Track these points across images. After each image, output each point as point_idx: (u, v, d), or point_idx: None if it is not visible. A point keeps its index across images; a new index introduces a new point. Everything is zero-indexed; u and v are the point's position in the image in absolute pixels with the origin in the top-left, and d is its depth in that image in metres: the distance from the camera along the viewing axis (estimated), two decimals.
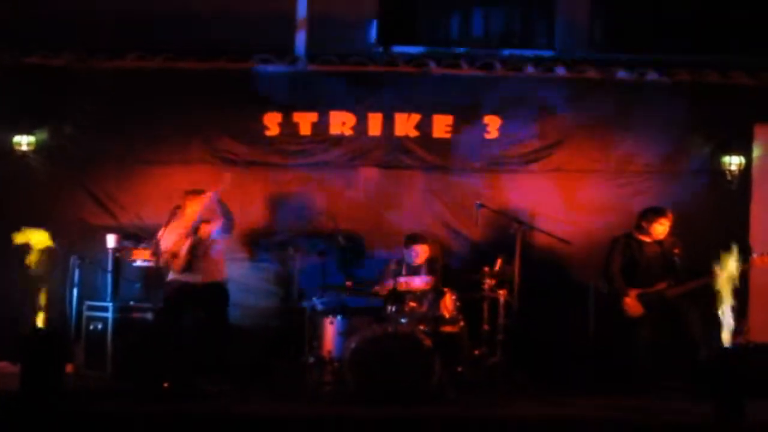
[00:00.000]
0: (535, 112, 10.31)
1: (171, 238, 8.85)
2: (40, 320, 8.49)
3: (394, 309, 8.83)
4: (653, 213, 9.20)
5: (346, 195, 10.28)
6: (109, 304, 9.50)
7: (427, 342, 8.38)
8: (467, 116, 10.23)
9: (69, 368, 9.12)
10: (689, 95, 10.34)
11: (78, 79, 10.16)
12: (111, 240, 9.73)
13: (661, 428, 7.59)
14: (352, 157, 10.28)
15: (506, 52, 10.61)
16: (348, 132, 10.22)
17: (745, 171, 10.31)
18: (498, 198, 10.12)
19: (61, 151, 10.18)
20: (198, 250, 8.81)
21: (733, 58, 10.50)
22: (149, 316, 9.38)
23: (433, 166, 10.29)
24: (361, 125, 10.21)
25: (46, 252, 8.77)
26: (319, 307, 9.12)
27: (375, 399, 8.12)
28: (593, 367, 9.17)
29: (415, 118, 10.21)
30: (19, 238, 8.69)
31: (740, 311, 9.80)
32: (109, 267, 9.71)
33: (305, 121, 10.20)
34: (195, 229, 8.83)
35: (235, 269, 9.43)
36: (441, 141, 10.25)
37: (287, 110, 10.19)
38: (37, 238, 8.73)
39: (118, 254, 9.73)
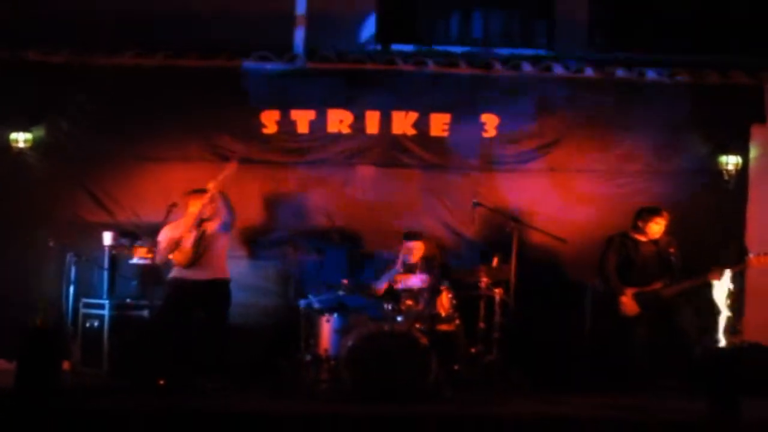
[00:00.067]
0: (533, 111, 10.30)
1: (173, 234, 8.88)
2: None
3: (390, 307, 8.83)
4: (649, 212, 9.21)
5: (343, 193, 10.28)
6: (106, 302, 9.48)
7: (424, 340, 8.39)
8: (465, 115, 10.23)
9: (65, 365, 9.12)
10: (687, 95, 10.34)
11: (76, 76, 10.14)
12: (108, 237, 9.71)
13: (657, 427, 7.59)
14: (349, 155, 10.28)
15: (504, 51, 10.60)
16: (345, 130, 10.22)
17: (742, 171, 10.32)
18: (495, 196, 10.12)
19: (58, 148, 10.17)
20: (202, 245, 8.82)
21: (731, 58, 10.51)
22: (146, 313, 9.38)
23: (431, 165, 10.29)
24: (359, 123, 10.20)
25: None
26: (316, 305, 9.11)
27: (371, 397, 8.13)
28: (589, 366, 9.17)
29: (413, 116, 10.21)
30: None
31: (736, 311, 9.88)
32: (106, 264, 9.70)
33: (303, 119, 10.20)
34: (199, 223, 8.85)
35: (232, 267, 9.39)
36: (438, 139, 10.25)
37: (285, 108, 10.18)
38: None
39: (114, 251, 9.72)
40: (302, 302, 9.13)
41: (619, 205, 10.00)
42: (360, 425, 7.50)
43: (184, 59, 10.15)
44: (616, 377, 8.94)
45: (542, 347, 9.50)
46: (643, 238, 9.18)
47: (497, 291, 9.01)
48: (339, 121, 10.20)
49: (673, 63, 10.38)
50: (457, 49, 10.54)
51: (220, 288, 8.97)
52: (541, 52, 10.63)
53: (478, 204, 9.60)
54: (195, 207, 8.89)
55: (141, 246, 9.54)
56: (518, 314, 9.16)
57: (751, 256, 9.06)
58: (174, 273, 8.97)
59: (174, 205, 9.02)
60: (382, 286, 9.40)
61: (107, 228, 9.86)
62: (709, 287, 8.94)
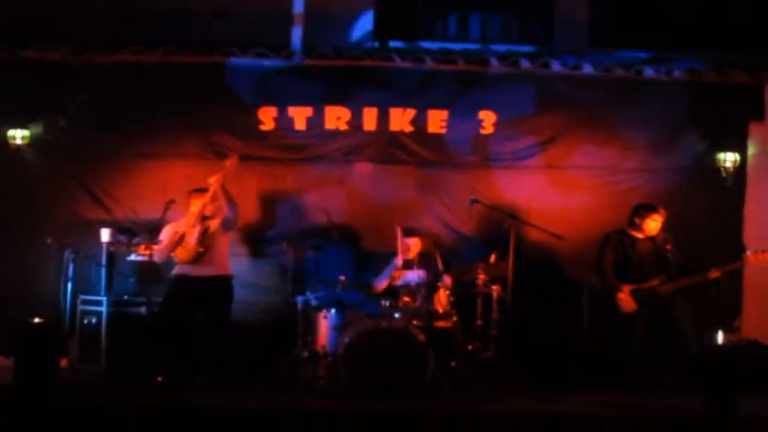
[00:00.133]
0: (530, 108, 10.31)
1: (176, 231, 8.91)
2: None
3: (387, 304, 8.84)
4: (645, 209, 9.20)
5: (341, 190, 10.28)
6: (104, 298, 9.48)
7: (421, 337, 8.39)
8: (462, 111, 10.24)
9: (63, 362, 9.14)
10: (685, 93, 10.37)
11: (74, 73, 10.14)
12: (105, 234, 9.71)
13: (654, 424, 7.58)
14: (347, 152, 10.28)
15: (502, 47, 10.60)
16: (343, 127, 10.22)
17: (740, 168, 10.34)
18: (492, 193, 10.13)
19: (56, 145, 10.17)
20: (205, 242, 8.84)
21: (729, 56, 10.52)
22: (143, 310, 9.35)
23: (428, 162, 10.30)
24: (356, 120, 10.21)
25: None
26: (314, 301, 9.12)
27: (368, 394, 8.13)
28: (587, 363, 9.18)
29: (411, 113, 10.21)
30: None
31: (734, 308, 9.90)
32: (104, 261, 9.69)
33: (300, 116, 10.20)
34: (203, 219, 8.86)
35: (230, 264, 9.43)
36: (436, 136, 10.26)
37: (282, 105, 10.18)
38: None
39: (112, 248, 9.71)
40: (300, 299, 9.13)
41: (617, 202, 10.00)
42: (357, 422, 7.49)
43: (181, 56, 10.15)
44: (614, 374, 8.94)
45: (540, 344, 9.51)
46: (640, 235, 9.18)
47: (495, 288, 9.00)
48: (336, 117, 10.21)
49: (670, 60, 10.39)
50: (455, 46, 10.53)
51: (222, 285, 8.98)
52: (539, 48, 10.61)
53: (475, 201, 9.60)
54: (196, 206, 8.91)
55: (143, 243, 9.51)
56: (516, 311, 9.16)
57: (748, 253, 9.06)
58: (177, 270, 8.98)
59: (172, 202, 9.02)
60: (381, 283, 9.41)
61: (105, 225, 9.85)
62: (706, 286, 8.93)
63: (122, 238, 9.71)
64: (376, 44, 10.54)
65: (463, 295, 9.17)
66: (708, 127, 10.35)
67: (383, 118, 10.21)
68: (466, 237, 10.17)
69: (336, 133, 10.23)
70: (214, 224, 8.93)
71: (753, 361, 9.01)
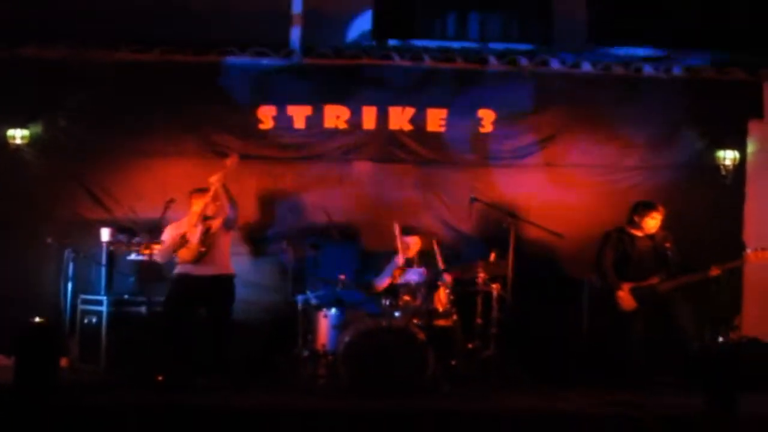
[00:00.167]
0: (529, 106, 10.32)
1: (178, 232, 8.92)
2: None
3: (388, 302, 8.84)
4: (645, 207, 9.20)
5: (340, 189, 10.28)
6: (104, 298, 9.47)
7: (421, 335, 8.40)
8: (461, 110, 10.24)
9: (63, 362, 9.15)
10: (685, 90, 10.37)
11: (73, 72, 10.14)
12: (105, 234, 9.70)
13: (654, 422, 7.57)
14: (346, 150, 10.28)
15: (501, 45, 10.59)
16: (342, 125, 10.23)
17: (740, 166, 10.34)
18: (492, 192, 10.13)
19: (56, 144, 10.16)
20: (207, 241, 8.84)
21: (729, 54, 10.51)
22: (144, 309, 9.36)
23: (427, 160, 10.30)
24: (356, 119, 10.21)
25: None
26: (314, 300, 9.13)
27: (369, 392, 8.13)
28: (587, 361, 9.18)
29: (410, 111, 10.22)
30: None
31: (734, 306, 9.90)
32: (104, 261, 9.69)
33: (299, 115, 10.20)
34: (204, 218, 8.86)
35: None
36: (435, 135, 10.26)
37: (281, 104, 10.18)
38: None
39: (112, 248, 9.71)
40: (300, 298, 9.14)
41: (616, 200, 10.00)
42: (357, 421, 7.49)
43: (180, 54, 10.16)
44: (614, 372, 8.94)
45: (540, 343, 9.52)
46: (639, 233, 9.18)
47: (495, 286, 9.00)
48: (336, 116, 10.21)
49: (669, 58, 10.39)
50: (454, 45, 10.53)
51: (224, 284, 8.99)
52: (537, 46, 10.59)
53: (475, 199, 9.61)
54: (198, 206, 8.92)
55: (143, 243, 9.50)
56: (516, 310, 9.16)
57: (748, 251, 9.06)
58: (179, 269, 8.99)
59: (172, 201, 9.03)
60: (382, 282, 9.40)
61: (105, 224, 9.85)
62: (705, 283, 8.93)
63: (122, 237, 9.71)
64: (375, 43, 10.53)
65: (463, 293, 9.17)
66: (707, 124, 10.35)
67: (382, 117, 10.22)
68: (466, 235, 10.16)
69: (335, 132, 10.24)
70: (215, 224, 8.94)
71: (753, 359, 9.02)
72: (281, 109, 10.18)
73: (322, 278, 9.35)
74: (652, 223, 9.13)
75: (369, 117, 10.21)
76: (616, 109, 10.34)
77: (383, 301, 8.88)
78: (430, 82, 10.27)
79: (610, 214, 9.81)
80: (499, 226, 9.37)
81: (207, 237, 8.87)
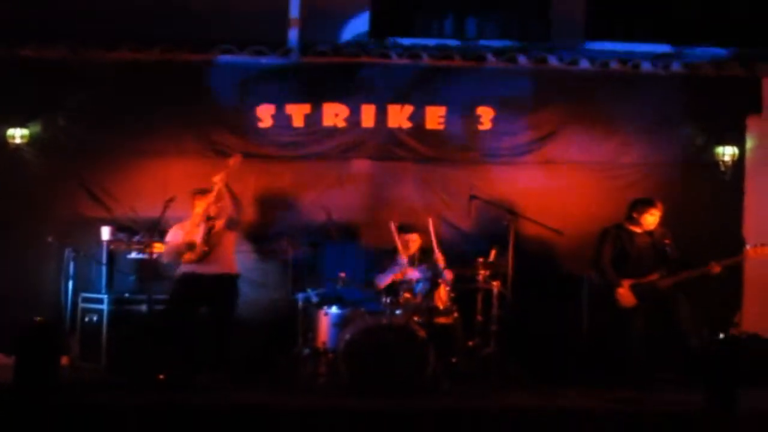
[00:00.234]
0: (528, 104, 10.32)
1: (180, 234, 8.93)
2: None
3: (388, 300, 8.84)
4: (643, 204, 9.19)
5: (339, 187, 10.28)
6: (104, 297, 9.47)
7: (421, 333, 8.40)
8: (460, 108, 10.24)
9: (64, 360, 9.16)
10: (683, 87, 10.36)
11: (73, 71, 10.13)
12: (105, 232, 9.71)
13: (654, 419, 7.60)
14: (345, 148, 10.28)
15: (499, 43, 10.60)
16: (341, 124, 10.22)
17: (739, 162, 10.34)
18: (491, 189, 10.12)
19: (56, 144, 10.16)
20: (211, 241, 8.85)
21: (727, 49, 10.52)
22: (144, 308, 9.35)
23: (426, 158, 10.30)
24: (354, 117, 10.20)
25: None
26: (314, 298, 9.13)
27: (369, 390, 8.14)
28: (586, 359, 9.18)
29: (408, 109, 10.21)
30: None
31: (734, 302, 9.91)
32: (104, 259, 9.70)
33: (298, 113, 10.20)
34: (207, 218, 8.86)
35: None
36: (434, 132, 10.25)
37: (280, 102, 10.18)
38: None
39: (112, 247, 9.72)
40: (300, 296, 9.15)
41: (616, 197, 9.97)
42: (358, 419, 7.50)
43: (179, 53, 10.15)
44: (614, 370, 8.93)
45: (540, 340, 9.50)
46: (638, 230, 9.17)
47: (495, 284, 9.00)
48: (334, 114, 10.21)
49: (667, 54, 10.41)
50: (453, 43, 10.54)
51: (228, 283, 9.00)
52: (536, 44, 10.60)
53: (474, 197, 9.60)
54: (200, 206, 8.93)
55: (144, 242, 9.50)
56: (516, 307, 9.17)
57: (748, 247, 9.06)
58: (182, 269, 8.99)
59: (172, 200, 9.03)
60: (384, 281, 9.38)
61: (105, 223, 9.85)
62: (705, 279, 8.92)
63: (122, 236, 9.72)
64: (374, 41, 10.53)
65: (463, 291, 9.17)
66: (706, 121, 10.35)
67: (381, 115, 10.21)
68: (466, 233, 10.16)
69: (334, 130, 10.23)
70: (219, 224, 8.95)
71: (753, 355, 9.03)
72: (280, 108, 10.18)
73: (322, 276, 9.37)
74: (651, 219, 9.13)
75: (368, 115, 10.20)
76: (614, 106, 10.33)
77: (384, 299, 8.88)
78: (429, 80, 10.25)
79: (609, 211, 9.79)
80: (498, 224, 9.37)
81: (210, 237, 8.88)
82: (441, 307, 9.06)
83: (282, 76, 10.24)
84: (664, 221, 9.21)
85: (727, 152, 10.26)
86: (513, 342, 9.11)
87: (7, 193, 10.02)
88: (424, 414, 7.61)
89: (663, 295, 8.97)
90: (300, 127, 10.20)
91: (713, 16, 10.76)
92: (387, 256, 9.53)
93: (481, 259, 9.09)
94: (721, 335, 8.98)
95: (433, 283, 9.11)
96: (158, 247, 9.19)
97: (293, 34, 10.32)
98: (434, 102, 10.23)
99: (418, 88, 10.25)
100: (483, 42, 10.59)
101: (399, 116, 10.21)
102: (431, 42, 10.53)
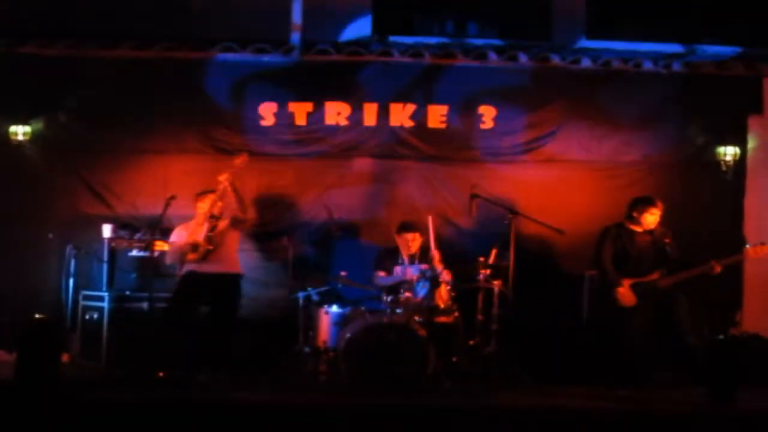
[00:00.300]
0: (530, 103, 10.32)
1: (184, 234, 8.94)
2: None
3: (389, 299, 8.84)
4: (643, 203, 9.15)
5: (340, 185, 10.28)
6: (105, 294, 9.49)
7: (422, 332, 8.41)
8: (462, 106, 10.25)
9: (65, 357, 9.16)
10: (685, 86, 10.36)
11: (73, 68, 10.14)
12: (107, 230, 9.72)
13: (654, 417, 7.61)
14: (347, 147, 10.28)
15: (501, 42, 10.60)
16: (343, 122, 10.22)
17: (740, 162, 10.34)
18: (493, 188, 10.09)
19: (57, 140, 10.18)
20: (214, 240, 8.85)
21: (729, 49, 10.52)
22: (145, 305, 9.35)
23: (428, 157, 10.30)
24: (357, 115, 10.21)
25: None
26: (315, 297, 9.13)
27: (370, 389, 8.14)
28: (587, 357, 9.17)
29: (410, 108, 10.22)
30: None
31: (735, 302, 9.91)
32: (105, 257, 9.70)
33: (300, 111, 10.20)
34: (211, 217, 8.87)
35: None
36: (436, 131, 10.26)
37: (282, 100, 10.19)
38: None
39: (113, 244, 9.72)
40: (301, 294, 9.14)
41: (617, 196, 9.94)
42: (358, 417, 7.50)
43: (181, 51, 10.16)
44: (614, 368, 8.92)
45: (540, 339, 9.49)
46: (638, 229, 9.15)
47: (496, 283, 8.99)
48: (337, 113, 10.21)
49: (669, 54, 10.41)
50: (455, 41, 10.54)
51: (230, 282, 9.00)
52: (537, 42, 10.60)
53: (476, 196, 9.57)
54: (204, 207, 8.94)
55: (145, 239, 9.49)
56: (516, 306, 9.16)
57: (747, 247, 9.04)
58: (186, 267, 8.99)
59: (173, 197, 9.02)
60: (386, 281, 9.35)
61: (106, 220, 9.86)
62: (706, 278, 8.91)
63: (123, 233, 9.73)
64: (376, 39, 10.53)
65: (464, 290, 9.16)
66: (707, 120, 10.35)
67: (383, 114, 10.22)
68: (467, 232, 10.16)
69: (336, 129, 10.24)
70: (222, 223, 8.95)
71: (754, 355, 9.03)
72: (282, 106, 10.18)
73: (322, 275, 9.36)
74: (651, 218, 9.10)
75: (370, 113, 10.21)
76: (616, 105, 10.32)
77: (384, 298, 8.88)
78: (431, 79, 10.26)
79: (610, 210, 9.75)
80: (499, 222, 9.34)
81: (213, 237, 8.87)
82: (442, 306, 9.05)
83: (284, 75, 10.25)
84: (664, 221, 9.19)
85: (728, 152, 10.27)
86: (514, 341, 9.08)
87: (9, 190, 10.04)
88: (424, 413, 7.60)
89: (663, 295, 8.95)
90: (302, 125, 10.20)
91: (716, 15, 10.75)
92: (388, 255, 9.53)
93: (481, 258, 9.08)
94: (721, 336, 8.97)
95: (434, 282, 9.09)
96: (159, 245, 9.19)
97: (295, 33, 10.31)
98: (436, 101, 10.24)
99: (420, 87, 10.26)
100: (485, 41, 10.58)
101: (401, 115, 10.22)
102: (433, 40, 10.54)
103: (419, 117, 10.22)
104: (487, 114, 10.25)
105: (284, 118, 10.18)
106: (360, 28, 10.56)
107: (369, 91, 10.24)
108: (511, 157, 10.35)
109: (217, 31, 10.17)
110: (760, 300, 10.15)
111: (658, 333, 8.98)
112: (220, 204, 8.89)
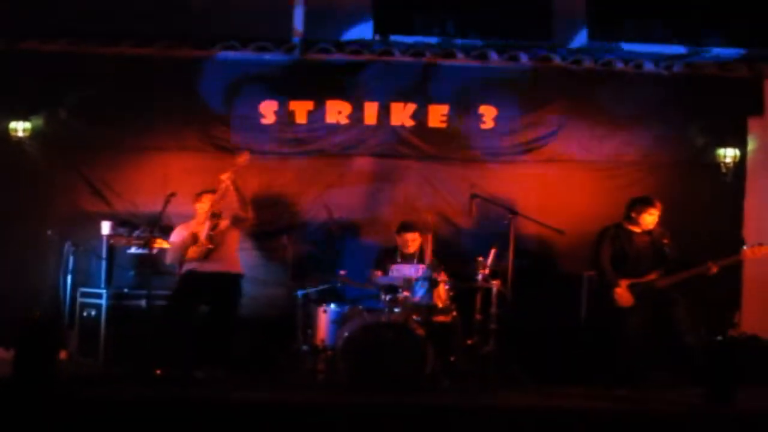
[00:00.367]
0: (530, 103, 10.32)
1: (184, 234, 8.94)
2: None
3: (387, 298, 8.84)
4: (642, 203, 9.14)
5: (341, 184, 10.28)
6: (103, 291, 9.47)
7: (420, 331, 8.40)
8: (463, 106, 10.25)
9: (63, 355, 9.16)
10: (685, 87, 10.36)
11: (74, 65, 10.14)
12: (105, 227, 9.71)
13: (652, 418, 7.60)
14: (347, 146, 10.28)
15: (502, 41, 10.59)
16: (344, 121, 10.22)
17: (740, 163, 10.33)
18: (492, 188, 10.10)
19: (57, 137, 10.17)
20: (215, 239, 8.85)
21: (731, 50, 10.52)
22: (143, 303, 9.32)
23: (428, 156, 10.30)
24: (357, 114, 10.21)
25: None
26: (314, 296, 9.13)
27: (368, 388, 8.14)
28: (585, 357, 9.16)
29: (411, 107, 10.22)
30: None
31: (733, 303, 9.90)
32: (104, 254, 9.69)
33: (301, 110, 10.20)
34: (212, 216, 8.86)
35: None
36: (436, 131, 10.26)
37: (283, 99, 10.18)
38: None
39: (112, 241, 9.71)
40: (300, 293, 9.13)
41: (617, 197, 9.92)
42: (356, 416, 7.49)
43: (181, 49, 10.17)
44: (612, 368, 8.92)
45: (538, 339, 9.48)
46: (636, 229, 9.13)
47: (494, 282, 8.98)
48: (337, 112, 10.21)
49: (669, 54, 10.41)
50: (455, 41, 10.53)
51: (230, 281, 9.00)
52: (538, 42, 10.60)
53: (475, 195, 9.56)
54: (204, 206, 8.94)
55: (144, 237, 9.49)
56: (515, 306, 9.15)
57: (746, 248, 9.03)
58: (186, 266, 9.00)
59: (172, 195, 9.00)
60: (385, 280, 9.34)
61: (105, 218, 9.86)
62: (704, 278, 8.90)
63: (122, 230, 9.72)
64: (377, 38, 10.53)
65: (462, 289, 9.16)
66: (708, 121, 10.34)
67: (384, 113, 10.22)
68: (466, 231, 10.16)
69: (337, 127, 10.24)
70: (223, 222, 8.95)
71: (752, 356, 9.03)
72: (283, 104, 10.18)
73: (321, 273, 9.34)
74: (650, 219, 9.08)
75: (370, 112, 10.21)
76: (616, 106, 10.32)
77: (383, 297, 8.87)
78: (432, 78, 10.26)
79: (609, 210, 9.73)
80: (499, 222, 9.33)
81: (214, 236, 8.87)
82: (440, 305, 9.05)
83: (285, 73, 10.25)
84: (664, 221, 9.19)
85: (728, 153, 10.27)
86: (512, 341, 9.07)
87: (9, 186, 10.04)
88: (422, 412, 7.59)
89: (661, 295, 8.95)
90: (303, 124, 10.20)
91: (717, 16, 10.75)
92: (388, 254, 9.53)
93: (480, 258, 9.08)
94: (720, 337, 8.96)
95: (432, 281, 9.09)
96: (158, 243, 9.18)
97: (296, 32, 10.31)
98: (437, 100, 10.24)
99: (421, 86, 10.26)
100: (485, 40, 10.57)
101: (402, 114, 10.22)
102: (434, 40, 10.54)
103: (420, 116, 10.22)
104: (488, 114, 10.24)
105: (285, 116, 10.18)
106: (361, 27, 10.56)
107: (370, 90, 10.24)
108: (511, 157, 10.34)
109: (218, 29, 10.16)
110: (758, 301, 10.15)
111: (655, 333, 8.97)
112: (221, 203, 8.88)
